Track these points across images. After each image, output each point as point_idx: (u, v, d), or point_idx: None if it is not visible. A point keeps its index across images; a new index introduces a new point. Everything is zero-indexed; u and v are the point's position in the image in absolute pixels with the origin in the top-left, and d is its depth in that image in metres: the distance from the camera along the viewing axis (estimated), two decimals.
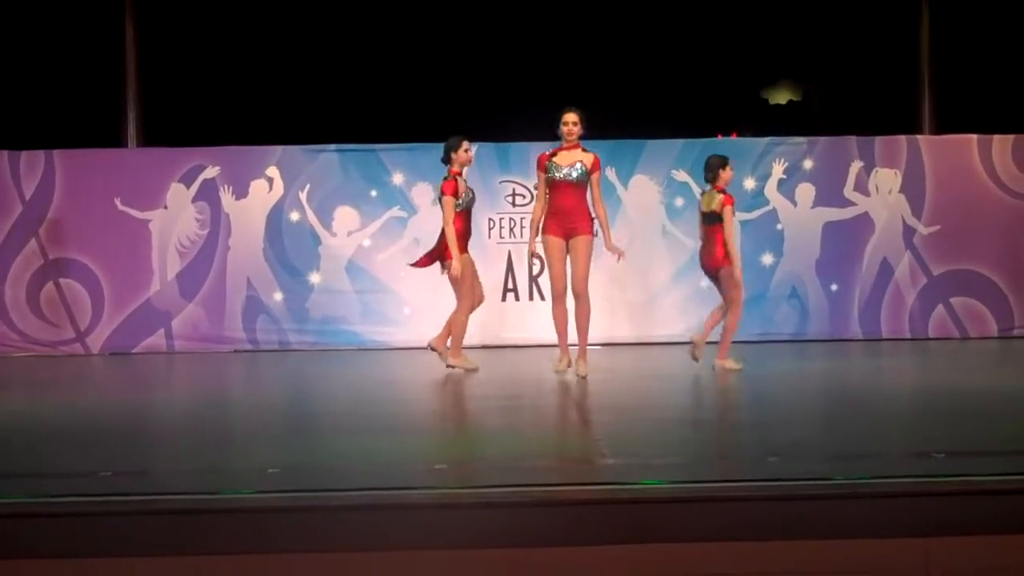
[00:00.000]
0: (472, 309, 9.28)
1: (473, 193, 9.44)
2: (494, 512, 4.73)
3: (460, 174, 9.30)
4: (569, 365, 8.82)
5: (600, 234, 8.99)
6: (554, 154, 8.78)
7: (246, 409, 8.21)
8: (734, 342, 9.25)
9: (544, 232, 8.81)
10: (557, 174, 8.69)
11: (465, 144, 9.31)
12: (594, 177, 8.76)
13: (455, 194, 9.12)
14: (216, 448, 6.33)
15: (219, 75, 14.85)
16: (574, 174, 8.69)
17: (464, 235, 9.24)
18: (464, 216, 9.25)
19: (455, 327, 9.25)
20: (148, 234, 11.62)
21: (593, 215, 8.84)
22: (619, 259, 9.04)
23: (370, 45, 15.11)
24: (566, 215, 8.71)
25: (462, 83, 15.38)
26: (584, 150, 8.80)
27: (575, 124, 8.75)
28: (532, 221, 9.02)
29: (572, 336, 8.87)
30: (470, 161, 9.42)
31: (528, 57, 15.33)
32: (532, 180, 11.49)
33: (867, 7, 14.72)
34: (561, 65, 15.28)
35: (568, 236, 8.71)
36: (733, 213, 9.16)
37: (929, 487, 4.87)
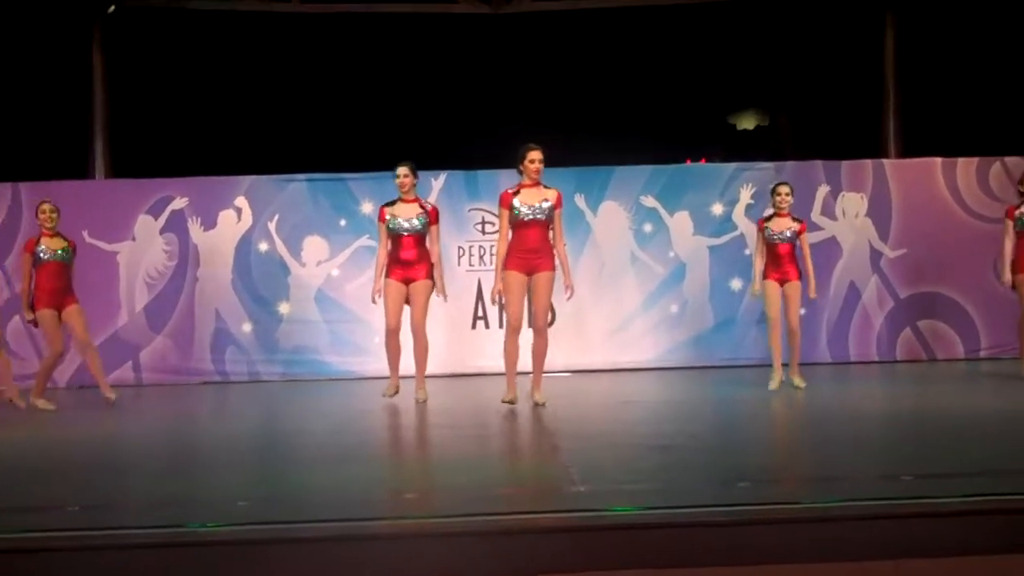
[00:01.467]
0: (390, 333, 9.20)
1: (418, 220, 9.17)
2: (463, 541, 4.72)
3: (409, 200, 9.24)
4: (515, 400, 8.76)
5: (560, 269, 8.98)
6: (517, 192, 8.71)
7: (215, 441, 8.16)
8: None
9: (505, 267, 8.75)
10: (524, 213, 8.64)
11: (399, 169, 9.26)
12: (557, 213, 8.73)
13: (382, 219, 9.23)
14: (185, 481, 6.28)
15: (187, 106, 14.82)
16: (541, 213, 8.65)
17: (396, 261, 9.17)
18: (399, 241, 9.17)
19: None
20: (116, 266, 11.58)
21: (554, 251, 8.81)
22: (568, 297, 8.95)
23: (338, 75, 15.13)
24: (531, 253, 8.67)
25: (431, 111, 15.41)
26: (545, 187, 8.75)
27: (541, 162, 8.68)
28: (498, 260, 8.84)
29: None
30: (405, 187, 9.21)
31: (497, 85, 15.38)
32: None
33: (832, 34, 14.87)
34: (530, 93, 15.34)
35: (530, 272, 8.69)
36: (758, 235, 9.88)
37: (897, 509, 4.89)
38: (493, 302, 9.31)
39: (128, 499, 5.69)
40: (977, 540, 4.72)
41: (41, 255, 9.51)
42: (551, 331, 9.61)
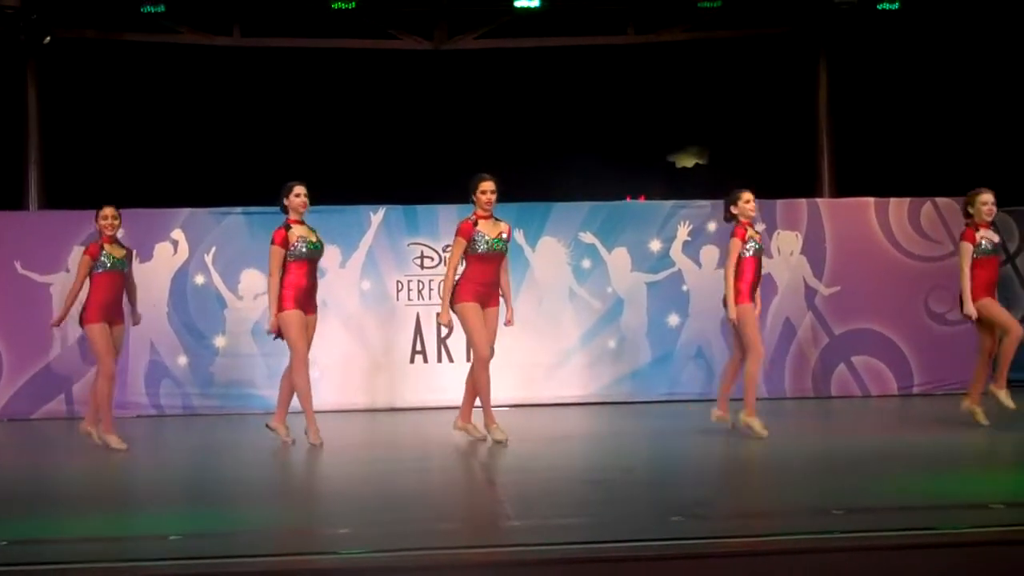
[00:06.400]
0: (307, 366, 8.88)
1: (319, 245, 8.94)
2: None
3: (300, 222, 8.85)
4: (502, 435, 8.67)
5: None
6: (476, 223, 8.64)
7: (147, 475, 8.06)
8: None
9: (463, 299, 8.60)
10: (486, 246, 8.59)
11: (296, 188, 8.83)
12: (507, 247, 8.79)
13: (282, 243, 8.69)
14: (116, 515, 6.20)
15: (122, 138, 14.70)
16: (502, 245, 8.65)
17: (304, 289, 8.77)
18: (303, 268, 8.79)
19: (284, 389, 9.00)
20: (49, 298, 11.41)
21: None
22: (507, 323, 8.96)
23: (277, 109, 15.10)
24: (489, 285, 8.64)
25: (370, 146, 15.41)
26: (497, 219, 8.76)
27: (493, 192, 8.63)
28: (446, 288, 8.72)
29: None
30: (304, 206, 8.83)
31: (438, 120, 15.43)
32: (441, 242, 11.57)
33: (768, 76, 15.10)
34: (471, 129, 15.39)
35: (485, 304, 8.64)
36: (736, 246, 8.82)
37: (828, 543, 4.95)
38: (442, 327, 9.07)
39: (58, 534, 5.60)
40: (908, 574, 4.78)
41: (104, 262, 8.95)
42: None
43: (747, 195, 8.98)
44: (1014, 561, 4.83)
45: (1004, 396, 9.03)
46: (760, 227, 11.82)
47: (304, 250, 8.74)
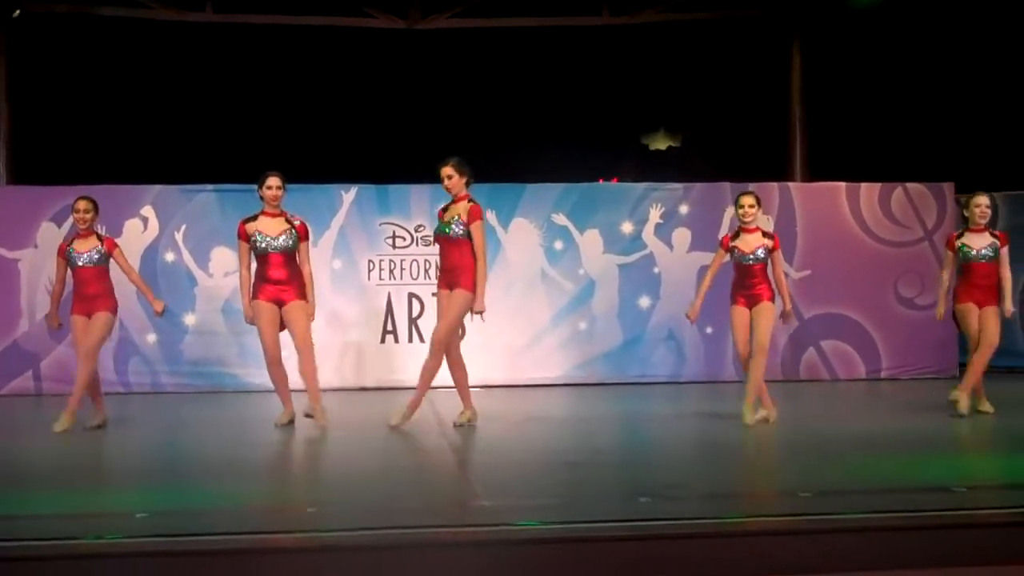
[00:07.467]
0: (272, 363, 8.60)
1: (284, 242, 8.49)
2: (365, 555, 4.69)
3: (276, 214, 8.58)
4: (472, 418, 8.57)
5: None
6: (445, 209, 8.50)
7: (113, 453, 8.02)
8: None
9: (437, 286, 8.56)
10: (439, 231, 8.44)
11: (269, 180, 8.56)
12: (472, 227, 8.30)
13: (242, 236, 8.54)
14: (82, 492, 6.17)
15: (93, 113, 14.59)
16: (456, 230, 8.29)
17: (272, 280, 8.49)
18: (267, 260, 8.49)
19: (308, 374, 8.67)
20: (17, 274, 11.35)
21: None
22: (480, 317, 8.57)
23: (250, 85, 15.01)
24: (448, 271, 8.39)
25: (343, 124, 15.35)
26: (470, 201, 8.40)
27: (449, 178, 8.37)
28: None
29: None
30: (275, 199, 8.52)
31: (411, 99, 15.38)
32: (412, 222, 11.58)
33: (741, 61, 15.13)
34: (444, 108, 15.36)
35: (451, 289, 8.39)
36: (720, 253, 8.89)
37: (795, 525, 4.97)
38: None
39: (23, 510, 5.57)
40: (873, 555, 4.81)
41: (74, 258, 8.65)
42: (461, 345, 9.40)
43: (743, 199, 8.80)
44: (977, 544, 4.87)
45: (963, 398, 8.83)
46: (731, 211, 11.77)
47: (262, 245, 8.49)
